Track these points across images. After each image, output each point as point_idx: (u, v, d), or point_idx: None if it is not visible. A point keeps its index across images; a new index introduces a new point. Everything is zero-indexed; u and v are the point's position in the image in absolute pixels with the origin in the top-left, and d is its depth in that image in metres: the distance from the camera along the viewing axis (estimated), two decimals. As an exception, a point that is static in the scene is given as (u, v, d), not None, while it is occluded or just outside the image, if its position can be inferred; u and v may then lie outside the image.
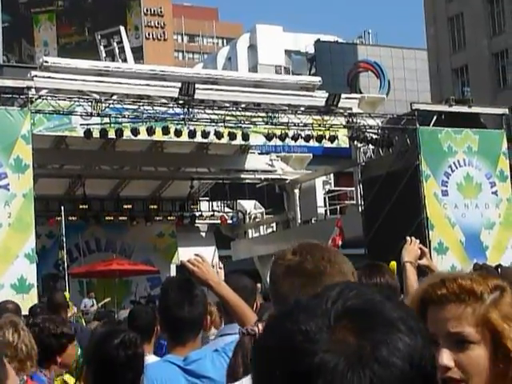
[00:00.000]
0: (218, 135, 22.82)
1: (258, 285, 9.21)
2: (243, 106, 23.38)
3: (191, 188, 30.24)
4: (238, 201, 33.77)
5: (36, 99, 19.97)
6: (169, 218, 31.04)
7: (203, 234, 32.40)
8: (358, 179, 26.89)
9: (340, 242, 22.42)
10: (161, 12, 64.82)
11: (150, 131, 21.85)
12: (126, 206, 29.93)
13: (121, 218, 29.98)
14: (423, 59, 57.03)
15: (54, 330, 4.84)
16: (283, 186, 31.53)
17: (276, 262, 2.55)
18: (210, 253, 27.99)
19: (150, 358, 4.78)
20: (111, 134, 22.04)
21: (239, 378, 2.68)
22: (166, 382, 3.79)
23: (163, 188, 30.89)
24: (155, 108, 21.89)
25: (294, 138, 23.45)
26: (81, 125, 21.87)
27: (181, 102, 21.65)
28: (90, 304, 23.17)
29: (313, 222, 30.89)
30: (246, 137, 23.56)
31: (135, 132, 21.89)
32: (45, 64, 23.51)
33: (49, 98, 20.44)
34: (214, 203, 32.66)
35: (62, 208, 22.61)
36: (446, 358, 1.86)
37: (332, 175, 34.31)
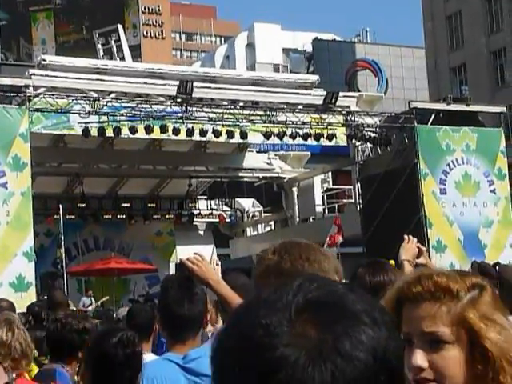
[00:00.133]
0: (216, 133, 22.81)
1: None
2: (241, 104, 23.37)
3: (189, 186, 30.22)
4: (237, 199, 33.77)
5: (34, 97, 19.96)
6: (167, 216, 31.02)
7: (201, 233, 32.39)
8: (356, 177, 26.91)
9: (340, 239, 22.41)
10: (159, 10, 64.73)
11: (148, 129, 21.84)
12: (124, 205, 29.93)
13: (119, 217, 29.97)
14: (421, 57, 56.99)
15: (76, 325, 4.84)
16: (281, 185, 31.54)
17: (258, 262, 2.56)
18: (208, 251, 27.95)
19: (149, 357, 4.79)
20: (109, 133, 22.03)
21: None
22: (166, 381, 3.79)
23: (161, 186, 30.88)
24: (153, 106, 21.89)
25: (292, 137, 23.44)
26: (79, 123, 21.84)
27: (179, 100, 21.65)
28: (88, 302, 23.15)
29: (311, 220, 30.90)
30: (244, 135, 23.55)
31: (133, 130, 21.88)
32: (43, 62, 23.49)
33: (47, 96, 20.43)
34: (213, 202, 32.66)
35: (61, 206, 22.61)
36: (419, 358, 1.80)
37: (330, 173, 34.33)
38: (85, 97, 21.08)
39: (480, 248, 22.78)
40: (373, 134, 23.98)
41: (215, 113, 22.41)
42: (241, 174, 30.50)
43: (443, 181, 23.16)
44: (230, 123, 22.87)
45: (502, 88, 47.41)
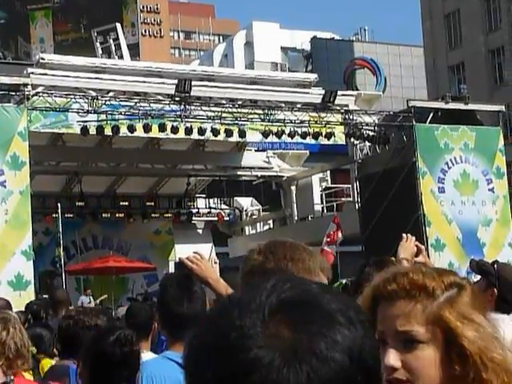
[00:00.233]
0: (215, 132, 22.81)
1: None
2: (240, 102, 23.37)
3: (188, 185, 30.21)
4: (235, 198, 33.78)
5: (32, 96, 19.95)
6: (165, 215, 31.02)
7: (200, 231, 32.39)
8: (354, 176, 26.91)
9: (340, 236, 22.37)
10: (157, 9, 64.66)
11: (147, 128, 21.84)
12: (122, 203, 29.92)
13: (117, 215, 29.96)
14: (419, 56, 56.99)
15: (88, 322, 4.84)
16: (280, 183, 31.54)
17: (244, 262, 2.57)
18: (206, 250, 27.97)
19: (148, 355, 4.79)
20: (108, 131, 22.03)
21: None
22: (165, 379, 3.79)
23: (160, 185, 30.88)
24: (152, 105, 21.89)
25: (291, 135, 23.45)
26: (77, 122, 21.84)
27: (177, 98, 21.65)
28: (86, 301, 23.14)
29: (309, 219, 30.91)
30: (242, 134, 23.55)
31: (132, 129, 21.88)
32: (41, 61, 23.48)
33: (45, 94, 20.42)
34: (211, 200, 32.66)
35: (59, 205, 22.62)
36: (392, 358, 1.74)
37: (329, 172, 34.33)
38: (83, 95, 21.07)
39: (479, 246, 22.79)
40: (371, 133, 23.99)
41: (214, 111, 22.41)
42: (239, 173, 30.50)
43: (442, 179, 23.17)
44: (229, 122, 22.87)
45: (501, 87, 47.42)
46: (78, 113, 21.28)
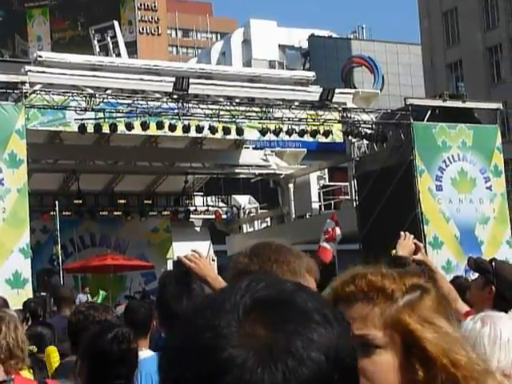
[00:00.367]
0: (213, 130, 22.80)
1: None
2: (237, 100, 23.37)
3: (186, 183, 30.20)
4: (233, 196, 33.77)
5: (30, 94, 19.93)
6: (163, 213, 31.01)
7: (198, 229, 32.38)
8: (352, 174, 26.90)
9: (339, 232, 22.32)
10: (155, 7, 64.63)
11: (145, 126, 21.83)
12: (120, 201, 29.90)
13: (115, 213, 29.95)
14: (417, 54, 57.06)
15: (98, 317, 4.84)
16: (277, 181, 31.54)
17: (231, 265, 2.58)
18: (204, 248, 27.98)
19: (146, 353, 4.80)
20: (105, 129, 22.00)
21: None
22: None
23: (158, 183, 30.87)
24: (149, 103, 21.86)
25: (289, 133, 23.44)
26: (75, 119, 21.83)
27: (175, 96, 21.63)
28: (84, 299, 23.11)
29: (307, 216, 30.90)
30: (240, 131, 23.55)
31: (129, 127, 21.86)
32: (39, 59, 23.47)
33: (43, 92, 20.40)
34: (209, 198, 32.64)
35: (57, 203, 22.58)
36: None
37: (326, 170, 34.34)
38: (81, 93, 21.05)
39: (476, 244, 22.79)
40: (369, 131, 23.98)
41: (211, 109, 22.40)
42: (237, 171, 30.49)
43: (439, 177, 23.17)
44: (227, 119, 22.86)
45: (498, 84, 47.47)
46: (75, 111, 21.25)
